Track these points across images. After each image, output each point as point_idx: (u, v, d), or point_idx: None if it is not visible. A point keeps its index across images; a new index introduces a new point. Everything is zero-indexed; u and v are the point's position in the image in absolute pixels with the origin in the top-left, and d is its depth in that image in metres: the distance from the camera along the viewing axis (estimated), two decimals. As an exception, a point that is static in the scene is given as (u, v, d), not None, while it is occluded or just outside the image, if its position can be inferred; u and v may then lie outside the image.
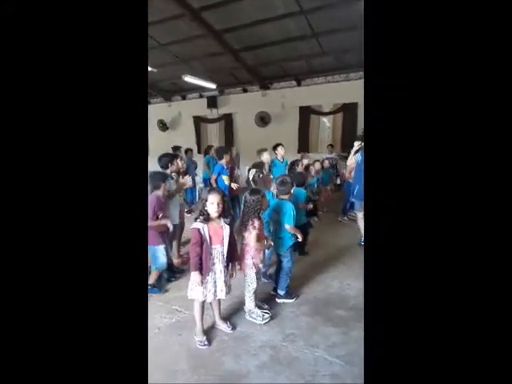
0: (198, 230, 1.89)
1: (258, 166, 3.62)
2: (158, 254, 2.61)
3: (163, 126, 9.61)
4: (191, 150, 6.37)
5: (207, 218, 1.91)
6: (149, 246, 2.55)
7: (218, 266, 1.97)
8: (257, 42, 6.31)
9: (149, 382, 1.23)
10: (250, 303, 2.24)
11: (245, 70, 7.35)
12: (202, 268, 1.91)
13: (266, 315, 2.22)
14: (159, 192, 2.64)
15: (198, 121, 9.10)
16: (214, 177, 4.09)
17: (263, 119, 8.09)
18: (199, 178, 6.25)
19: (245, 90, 8.30)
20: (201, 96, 8.87)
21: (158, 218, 2.57)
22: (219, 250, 1.96)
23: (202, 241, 1.89)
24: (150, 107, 9.97)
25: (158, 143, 9.32)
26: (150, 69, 6.66)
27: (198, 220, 1.92)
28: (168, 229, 2.65)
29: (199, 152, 8.35)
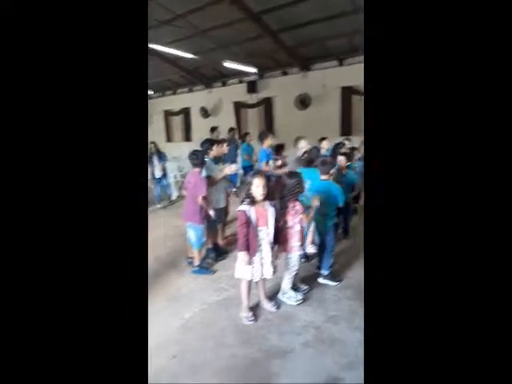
0: (245, 212, 2.00)
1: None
2: (199, 233, 2.76)
3: (205, 113, 9.81)
4: (234, 128, 6.45)
5: (253, 201, 2.01)
6: (189, 225, 2.73)
7: (265, 247, 2.07)
8: (296, 22, 6.11)
9: (193, 358, 1.32)
10: (286, 284, 2.31)
11: (284, 52, 7.19)
12: (250, 248, 2.02)
13: (299, 297, 2.28)
14: (195, 170, 2.76)
15: (238, 106, 9.15)
16: (264, 163, 4.00)
17: (303, 102, 7.92)
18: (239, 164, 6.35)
19: (285, 73, 8.15)
20: (241, 81, 8.87)
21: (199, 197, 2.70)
22: (265, 232, 2.06)
23: (248, 222, 2.00)
24: (191, 95, 10.22)
25: (200, 130, 9.59)
26: (191, 56, 6.79)
27: (244, 203, 2.02)
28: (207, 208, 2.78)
29: (240, 138, 8.45)
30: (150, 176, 5.57)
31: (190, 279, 2.75)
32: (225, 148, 3.32)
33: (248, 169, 6.10)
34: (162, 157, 5.60)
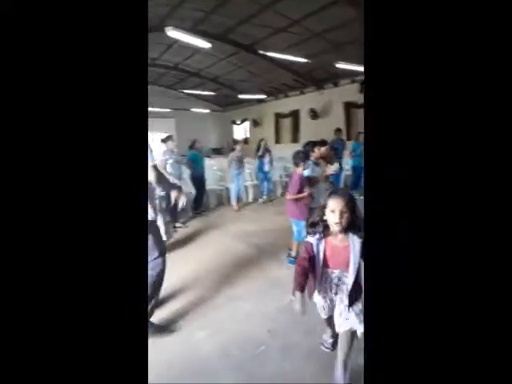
0: (311, 244, 1.43)
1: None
2: (301, 228, 2.94)
3: (314, 114, 9.93)
4: (340, 129, 6.40)
5: (325, 231, 1.40)
6: (292, 220, 2.98)
7: (341, 298, 1.46)
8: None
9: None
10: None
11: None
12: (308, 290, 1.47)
13: None
14: (298, 170, 2.94)
15: (349, 107, 8.95)
16: None
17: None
18: (346, 164, 6.26)
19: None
20: (353, 81, 8.65)
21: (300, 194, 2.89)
22: (340, 277, 1.45)
23: (313, 259, 1.42)
24: (302, 97, 10.48)
25: (307, 131, 9.77)
26: (304, 60, 7.01)
27: (312, 234, 1.45)
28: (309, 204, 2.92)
29: (348, 139, 8.25)
30: (256, 170, 6.07)
31: (289, 271, 2.95)
32: (323, 150, 3.37)
33: (359, 169, 5.97)
34: (270, 154, 6.01)
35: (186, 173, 5.15)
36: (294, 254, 3.07)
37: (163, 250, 2.07)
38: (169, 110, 12.38)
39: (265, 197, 6.09)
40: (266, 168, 5.95)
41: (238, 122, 14.20)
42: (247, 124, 13.76)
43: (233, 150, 5.75)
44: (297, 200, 2.91)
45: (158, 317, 2.19)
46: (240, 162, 5.55)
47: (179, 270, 2.90)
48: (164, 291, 2.32)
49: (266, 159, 5.92)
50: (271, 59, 7.98)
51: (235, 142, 14.06)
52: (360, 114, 8.75)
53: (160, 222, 3.40)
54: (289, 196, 2.97)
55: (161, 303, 2.33)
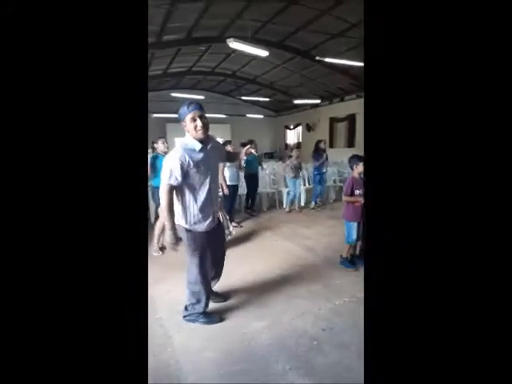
0: None
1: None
2: (351, 230, 2.99)
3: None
4: None
5: None
6: (345, 221, 3.05)
7: None
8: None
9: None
10: None
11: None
12: None
13: None
14: (354, 173, 3.01)
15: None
16: None
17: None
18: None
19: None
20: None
21: (351, 196, 2.94)
22: None
23: None
24: (359, 101, 10.20)
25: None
26: (361, 64, 6.87)
27: None
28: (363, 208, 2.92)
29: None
30: (312, 173, 6.03)
31: (342, 273, 2.97)
32: None
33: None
34: (326, 154, 5.93)
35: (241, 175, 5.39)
36: (344, 255, 3.10)
37: None
38: (224, 116, 12.92)
39: (319, 201, 6.06)
40: (324, 169, 5.91)
41: (291, 127, 14.30)
42: (300, 129, 13.79)
43: (290, 156, 5.81)
44: (349, 202, 2.98)
45: (216, 308, 2.38)
46: (297, 169, 5.62)
47: (239, 267, 3.08)
48: (223, 287, 2.51)
49: (323, 160, 5.87)
50: (328, 64, 7.96)
51: (287, 146, 14.27)
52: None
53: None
54: (343, 197, 3.06)
55: (225, 296, 2.52)
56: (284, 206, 5.85)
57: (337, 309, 2.35)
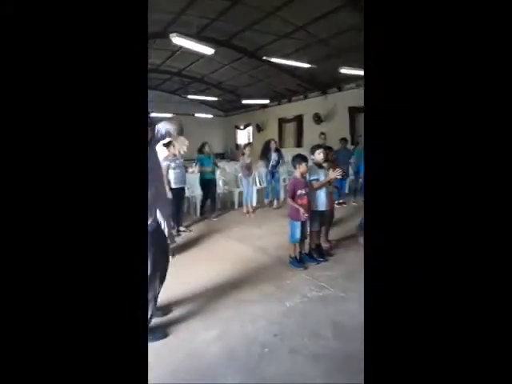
0: None
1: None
2: (294, 229, 3.01)
3: (318, 119, 9.95)
4: (346, 139, 6.36)
5: None
6: (289, 221, 3.06)
7: None
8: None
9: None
10: None
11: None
12: None
13: None
14: (296, 173, 3.03)
15: (354, 111, 8.96)
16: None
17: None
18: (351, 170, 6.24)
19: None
20: (357, 86, 8.67)
21: (294, 197, 2.95)
22: None
23: None
24: (306, 101, 10.51)
25: (312, 136, 9.78)
26: (308, 65, 7.04)
27: None
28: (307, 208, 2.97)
29: (352, 143, 8.26)
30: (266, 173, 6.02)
31: (292, 273, 2.94)
32: (327, 154, 3.32)
33: (360, 174, 5.96)
34: (279, 153, 5.95)
35: (192, 177, 5.16)
36: (293, 254, 3.09)
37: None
38: (171, 115, 12.46)
39: (270, 201, 6.06)
40: (276, 169, 5.87)
41: (242, 127, 14.27)
42: (250, 129, 13.81)
43: (243, 154, 5.70)
44: (294, 202, 2.97)
45: (161, 320, 2.18)
46: (250, 167, 5.53)
47: (184, 273, 2.90)
48: (167, 297, 2.32)
49: (275, 158, 5.85)
50: (275, 65, 8.03)
51: (237, 146, 14.19)
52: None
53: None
54: (287, 199, 3.08)
55: (167, 309, 2.33)
56: (236, 207, 5.74)
57: (288, 311, 2.29)
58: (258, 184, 6.31)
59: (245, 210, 5.52)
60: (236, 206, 5.82)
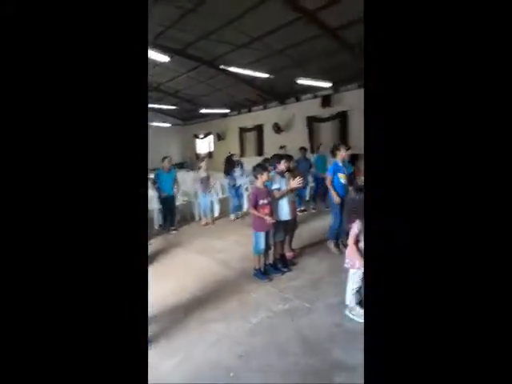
0: None
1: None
2: (258, 240, 2.93)
3: (278, 128, 10.09)
4: (305, 148, 6.47)
5: None
6: (253, 232, 2.96)
7: None
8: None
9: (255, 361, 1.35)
10: (351, 300, 2.28)
11: (362, 65, 7.07)
12: None
13: None
14: (258, 183, 2.98)
15: (311, 121, 9.20)
16: (329, 178, 3.61)
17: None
18: (311, 178, 6.35)
19: (361, 86, 7.98)
20: (315, 96, 8.94)
21: (257, 207, 2.88)
22: None
23: None
24: (265, 111, 10.62)
25: (272, 145, 9.88)
26: (266, 75, 7.12)
27: None
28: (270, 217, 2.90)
29: (312, 152, 8.45)
30: (227, 186, 5.91)
31: (257, 285, 2.84)
32: (288, 164, 3.32)
33: (321, 181, 6.03)
34: (242, 167, 5.87)
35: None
36: (257, 266, 3.01)
37: None
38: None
39: (239, 213, 5.89)
40: (238, 182, 5.78)
41: (201, 136, 14.05)
42: (211, 138, 13.65)
43: (199, 168, 5.52)
44: (256, 212, 2.91)
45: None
46: (206, 182, 5.37)
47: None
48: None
49: (238, 173, 5.76)
50: (233, 74, 8.02)
51: (197, 156, 13.89)
52: (322, 128, 9.03)
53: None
54: (250, 210, 3.01)
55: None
56: (196, 219, 5.54)
57: (254, 328, 2.19)
58: (221, 194, 6.17)
59: (203, 222, 5.36)
60: (197, 218, 5.62)
